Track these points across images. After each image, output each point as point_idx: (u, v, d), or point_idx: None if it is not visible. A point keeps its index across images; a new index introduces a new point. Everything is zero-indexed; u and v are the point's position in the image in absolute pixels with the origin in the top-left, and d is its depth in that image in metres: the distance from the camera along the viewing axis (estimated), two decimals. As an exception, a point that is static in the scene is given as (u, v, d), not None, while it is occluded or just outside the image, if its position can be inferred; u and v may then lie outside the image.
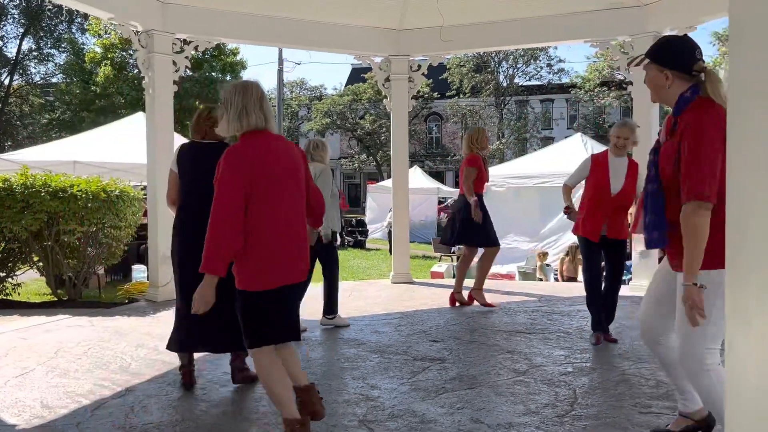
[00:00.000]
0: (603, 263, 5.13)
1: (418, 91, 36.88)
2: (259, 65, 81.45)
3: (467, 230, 6.24)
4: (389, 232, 18.06)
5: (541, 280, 11.08)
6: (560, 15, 7.50)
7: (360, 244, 19.42)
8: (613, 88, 36.02)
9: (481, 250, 6.59)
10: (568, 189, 5.16)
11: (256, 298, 2.82)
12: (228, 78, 25.07)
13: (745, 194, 1.42)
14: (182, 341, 3.86)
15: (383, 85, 8.28)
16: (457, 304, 6.61)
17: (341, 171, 43.92)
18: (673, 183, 2.61)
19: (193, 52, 7.39)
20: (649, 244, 2.72)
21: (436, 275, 11.93)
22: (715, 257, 2.55)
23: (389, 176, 35.20)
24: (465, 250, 6.69)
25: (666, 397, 3.68)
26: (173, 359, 4.59)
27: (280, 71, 26.68)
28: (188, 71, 7.40)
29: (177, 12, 7.06)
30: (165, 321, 5.96)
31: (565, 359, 4.53)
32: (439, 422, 3.34)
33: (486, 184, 6.46)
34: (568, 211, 5.06)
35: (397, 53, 8.14)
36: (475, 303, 6.57)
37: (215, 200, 2.74)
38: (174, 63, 7.17)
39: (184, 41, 7.33)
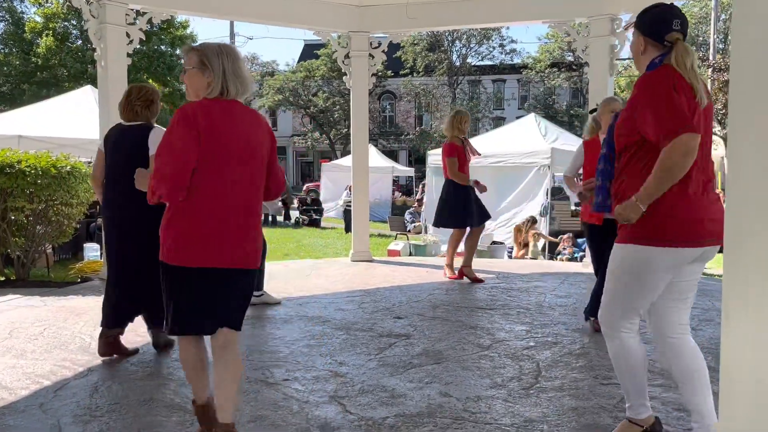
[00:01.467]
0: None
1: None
2: (210, 39, 79.28)
3: (442, 213, 6.82)
4: (345, 211, 18.03)
5: (534, 258, 11.11)
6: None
7: (315, 223, 19.32)
8: (563, 70, 36.66)
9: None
10: (570, 179, 5.06)
11: (177, 273, 2.54)
12: (177, 52, 24.37)
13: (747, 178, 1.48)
14: (109, 316, 4.09)
15: (343, 62, 8.21)
16: (465, 278, 6.95)
17: (293, 149, 43.46)
18: (623, 150, 2.62)
19: (146, 25, 7.17)
20: (595, 207, 2.87)
21: (393, 253, 11.98)
22: (652, 231, 2.48)
23: (343, 155, 35.20)
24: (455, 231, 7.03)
25: (625, 369, 3.82)
26: (135, 339, 4.51)
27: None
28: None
29: (130, -19, 6.82)
30: (122, 300, 5.84)
31: (527, 334, 4.64)
32: (409, 396, 3.39)
33: (470, 163, 6.83)
34: (583, 197, 4.95)
35: (358, 29, 8.06)
36: (445, 277, 7.02)
37: (159, 147, 2.54)
38: (127, 35, 6.93)
39: (138, 12, 7.09)
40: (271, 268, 7.93)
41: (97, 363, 3.96)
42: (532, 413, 3.16)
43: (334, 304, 5.65)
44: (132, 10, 6.95)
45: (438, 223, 6.97)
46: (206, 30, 71.45)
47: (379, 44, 8.21)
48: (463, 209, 6.66)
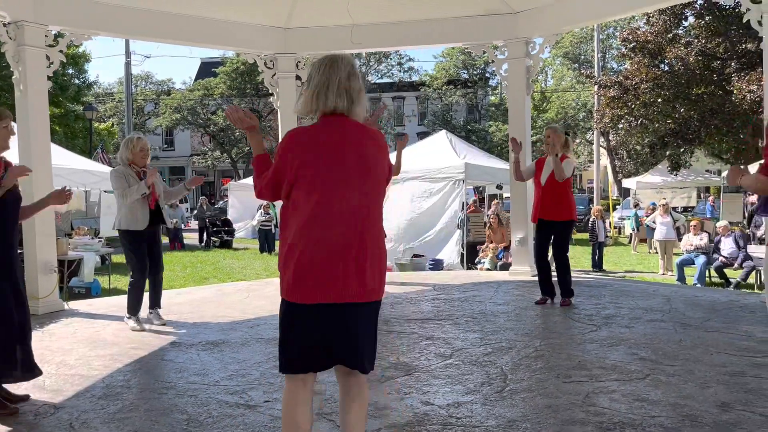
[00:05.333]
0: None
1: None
2: (105, 57, 75.17)
3: None
4: (259, 230, 17.82)
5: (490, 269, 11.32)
6: (442, 19, 7.94)
7: (227, 244, 18.93)
8: (459, 87, 38.09)
9: None
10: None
11: (291, 310, 2.42)
12: (70, 71, 23.21)
13: None
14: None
15: (270, 83, 8.26)
16: None
17: (193, 168, 42.28)
18: None
19: (65, 49, 6.92)
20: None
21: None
22: None
23: (245, 174, 34.54)
24: None
25: (580, 368, 4.15)
26: (91, 372, 4.37)
27: (128, 64, 25.21)
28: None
29: (50, 2, 6.57)
30: (58, 334, 5.58)
31: (481, 341, 4.90)
32: (393, 408, 3.52)
33: None
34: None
35: (284, 51, 8.15)
36: None
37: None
38: (47, 57, 6.67)
39: (58, 34, 6.84)
40: (204, 293, 7.82)
41: (60, 400, 3.79)
42: (512, 414, 3.39)
43: (286, 325, 5.67)
44: (51, 31, 6.70)
45: None
46: (102, 48, 68.06)
47: (305, 65, 8.32)
48: None
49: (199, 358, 4.65)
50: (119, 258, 14.14)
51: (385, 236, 2.63)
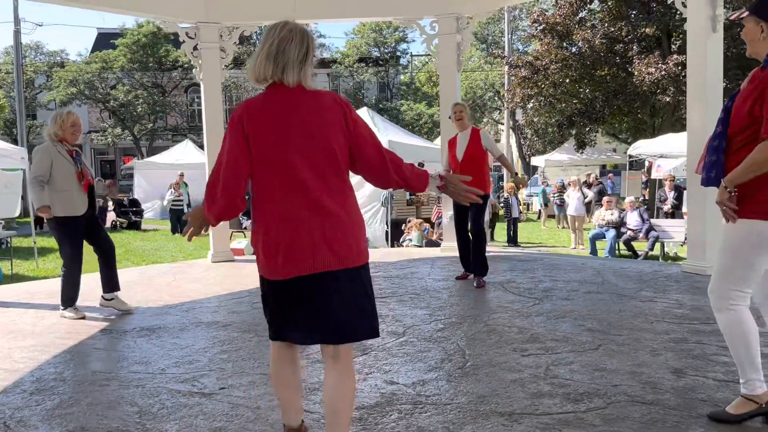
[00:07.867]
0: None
1: (176, 61, 34.87)
2: None
3: None
4: (171, 210, 17.07)
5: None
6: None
7: (135, 225, 18.00)
8: (370, 65, 37.94)
9: None
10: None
11: (262, 284, 2.47)
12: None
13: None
14: None
15: (192, 53, 7.81)
16: None
17: (91, 146, 39.91)
18: (741, 128, 2.68)
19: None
20: (705, 182, 2.83)
21: (237, 252, 11.63)
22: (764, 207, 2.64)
23: (149, 152, 33.02)
24: None
25: (533, 340, 4.19)
26: (15, 365, 4.01)
27: (17, 32, 23.30)
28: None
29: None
30: (-32, 325, 5.07)
31: (431, 318, 4.87)
32: (358, 389, 3.40)
33: None
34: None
35: (206, 20, 7.71)
36: None
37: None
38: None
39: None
40: (125, 276, 7.33)
41: (-14, 398, 3.43)
42: (480, 390, 3.36)
43: (224, 307, 5.43)
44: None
45: None
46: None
47: (230, 36, 7.92)
48: None
49: (137, 345, 4.35)
50: (20, 241, 13.16)
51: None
